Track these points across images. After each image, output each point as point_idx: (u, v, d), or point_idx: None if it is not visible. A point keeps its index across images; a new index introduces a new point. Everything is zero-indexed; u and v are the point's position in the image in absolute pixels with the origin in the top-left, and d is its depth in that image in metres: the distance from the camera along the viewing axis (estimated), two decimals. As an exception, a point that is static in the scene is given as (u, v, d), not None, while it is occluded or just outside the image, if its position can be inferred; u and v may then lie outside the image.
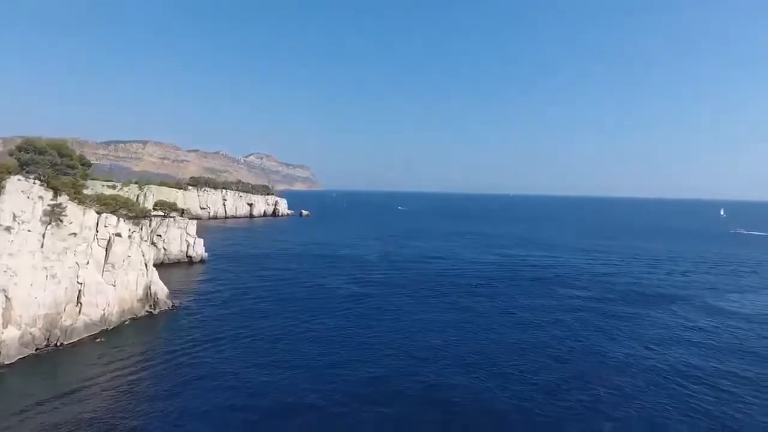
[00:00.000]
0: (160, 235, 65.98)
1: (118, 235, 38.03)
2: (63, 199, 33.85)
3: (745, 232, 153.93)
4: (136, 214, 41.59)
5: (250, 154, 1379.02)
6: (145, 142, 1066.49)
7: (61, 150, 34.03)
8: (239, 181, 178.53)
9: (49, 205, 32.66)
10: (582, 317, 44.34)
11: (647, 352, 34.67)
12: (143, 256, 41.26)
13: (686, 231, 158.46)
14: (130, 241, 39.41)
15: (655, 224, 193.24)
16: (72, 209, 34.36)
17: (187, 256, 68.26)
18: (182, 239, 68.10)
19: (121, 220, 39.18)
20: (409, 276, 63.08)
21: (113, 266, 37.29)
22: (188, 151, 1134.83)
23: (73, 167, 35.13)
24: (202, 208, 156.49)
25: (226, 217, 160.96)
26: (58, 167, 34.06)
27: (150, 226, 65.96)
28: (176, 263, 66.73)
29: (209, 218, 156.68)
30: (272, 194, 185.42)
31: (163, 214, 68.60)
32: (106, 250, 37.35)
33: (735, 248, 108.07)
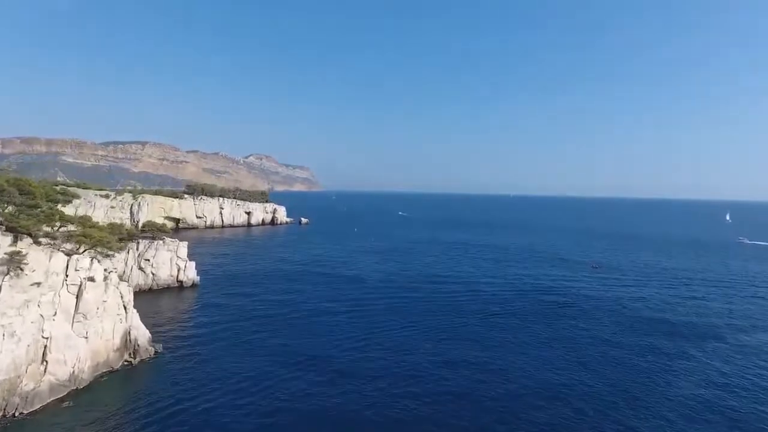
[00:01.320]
0: (148, 260, 61.69)
1: (91, 279, 33.81)
2: (24, 244, 29.69)
3: (749, 242, 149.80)
4: (114, 252, 37.37)
5: (250, 155, 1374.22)
6: (144, 143, 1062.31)
7: (21, 187, 29.84)
8: (237, 189, 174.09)
9: (6, 253, 28.49)
10: (605, 368, 40.17)
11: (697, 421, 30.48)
12: (122, 298, 37.03)
13: (692, 241, 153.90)
14: (106, 285, 35.21)
15: (660, 233, 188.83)
16: (35, 255, 30.18)
17: (177, 281, 63.98)
18: (172, 263, 63.80)
19: (95, 260, 34.98)
20: (417, 306, 58.71)
21: (85, 316, 33.07)
22: (187, 151, 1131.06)
23: (35, 206, 30.93)
24: (198, 217, 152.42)
25: (223, 226, 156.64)
26: (19, 207, 29.85)
27: (137, 249, 61.97)
28: (166, 289, 62.53)
29: (206, 227, 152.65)
30: (270, 202, 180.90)
31: (152, 235, 64.28)
32: (77, 297, 33.14)
33: (744, 263, 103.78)
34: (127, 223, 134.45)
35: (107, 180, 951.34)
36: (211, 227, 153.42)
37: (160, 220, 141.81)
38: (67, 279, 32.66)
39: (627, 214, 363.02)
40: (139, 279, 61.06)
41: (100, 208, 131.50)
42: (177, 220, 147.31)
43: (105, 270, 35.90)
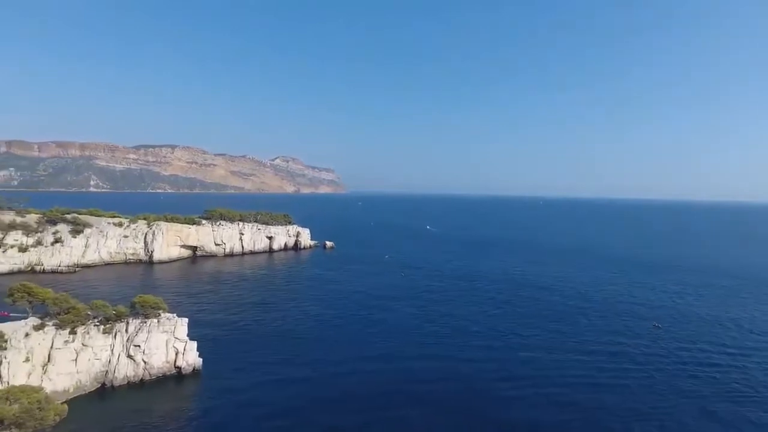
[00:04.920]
0: (138, 345, 50.66)
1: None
2: None
3: None
4: (49, 425, 25.89)
5: (276, 157, 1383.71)
6: (173, 147, 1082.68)
7: None
8: (258, 213, 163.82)
9: None
10: None
11: None
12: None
13: (752, 278, 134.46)
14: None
15: (712, 258, 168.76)
16: None
17: (175, 367, 52.76)
18: (168, 346, 52.64)
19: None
20: (473, 417, 45.69)
21: None
22: (216, 155, 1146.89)
23: None
24: (216, 244, 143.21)
25: (243, 254, 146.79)
26: None
27: (126, 332, 51.24)
28: (161, 379, 51.46)
29: (225, 255, 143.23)
30: (293, 224, 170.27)
31: (144, 313, 53.22)
32: None
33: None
34: (141, 253, 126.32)
35: (138, 183, 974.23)
36: (231, 255, 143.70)
37: (176, 250, 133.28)
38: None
39: (664, 227, 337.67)
40: (127, 369, 50.17)
41: (113, 238, 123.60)
42: (194, 248, 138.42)
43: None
